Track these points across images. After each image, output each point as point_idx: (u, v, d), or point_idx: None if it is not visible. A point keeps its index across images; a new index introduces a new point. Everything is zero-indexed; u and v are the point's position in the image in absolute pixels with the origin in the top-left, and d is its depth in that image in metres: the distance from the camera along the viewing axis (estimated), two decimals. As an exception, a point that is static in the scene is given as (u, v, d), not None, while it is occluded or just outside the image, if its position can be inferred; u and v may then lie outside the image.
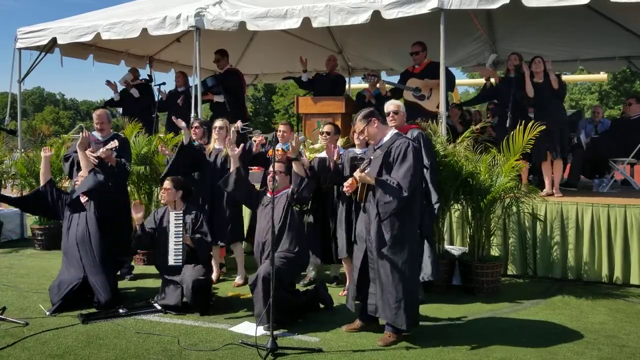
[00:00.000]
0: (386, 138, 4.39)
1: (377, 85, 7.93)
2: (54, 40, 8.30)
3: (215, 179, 5.75)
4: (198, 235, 5.26)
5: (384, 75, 8.87)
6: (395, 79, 8.39)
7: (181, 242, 5.20)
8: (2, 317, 4.74)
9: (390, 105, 5.31)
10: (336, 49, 11.12)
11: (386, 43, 10.07)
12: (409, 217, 4.29)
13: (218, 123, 6.20)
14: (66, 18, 8.82)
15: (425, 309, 5.10)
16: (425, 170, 5.13)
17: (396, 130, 4.51)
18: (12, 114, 9.57)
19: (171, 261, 5.17)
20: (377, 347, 4.24)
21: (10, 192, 10.80)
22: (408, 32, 8.30)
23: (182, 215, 5.29)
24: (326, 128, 5.93)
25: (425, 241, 5.05)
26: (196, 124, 6.45)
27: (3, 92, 50.60)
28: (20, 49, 8.69)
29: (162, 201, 5.54)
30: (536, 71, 6.97)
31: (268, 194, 5.07)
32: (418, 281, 4.55)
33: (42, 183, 5.76)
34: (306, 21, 6.78)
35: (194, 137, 6.40)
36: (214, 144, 6.18)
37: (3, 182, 8.84)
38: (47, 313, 4.97)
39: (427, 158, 5.21)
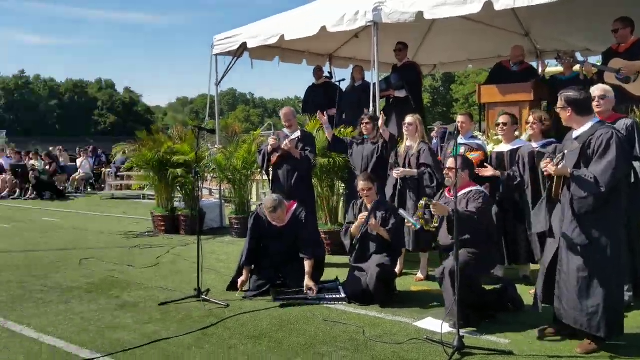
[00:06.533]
0: (585, 128, 3.97)
1: (577, 67, 7.23)
2: (244, 45, 8.95)
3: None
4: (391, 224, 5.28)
5: (578, 57, 7.98)
6: (591, 60, 7.58)
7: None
8: (207, 298, 5.26)
9: (596, 90, 4.80)
10: (522, 31, 10.38)
11: (579, 21, 9.13)
12: (610, 215, 3.86)
13: (408, 119, 6.11)
14: (254, 23, 9.46)
15: (634, 315, 4.58)
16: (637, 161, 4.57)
17: (598, 119, 4.06)
18: (210, 114, 10.60)
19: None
20: (575, 354, 3.89)
21: (210, 184, 12.08)
22: (603, 7, 7.44)
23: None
24: (502, 119, 5.64)
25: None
26: (366, 120, 6.51)
27: (202, 94, 56.65)
28: (217, 55, 9.56)
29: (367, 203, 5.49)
30: None
31: (447, 194, 4.93)
32: (622, 284, 4.08)
33: None
34: (487, 5, 6.40)
35: (364, 132, 6.46)
36: (406, 142, 6.11)
37: (205, 175, 9.88)
38: (242, 297, 5.40)
39: None
